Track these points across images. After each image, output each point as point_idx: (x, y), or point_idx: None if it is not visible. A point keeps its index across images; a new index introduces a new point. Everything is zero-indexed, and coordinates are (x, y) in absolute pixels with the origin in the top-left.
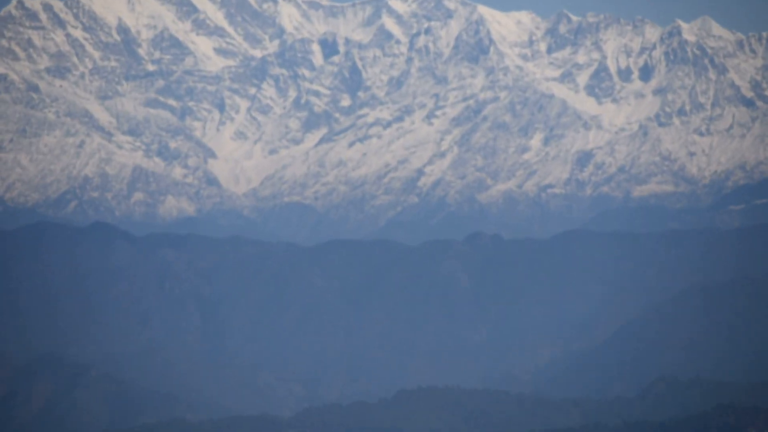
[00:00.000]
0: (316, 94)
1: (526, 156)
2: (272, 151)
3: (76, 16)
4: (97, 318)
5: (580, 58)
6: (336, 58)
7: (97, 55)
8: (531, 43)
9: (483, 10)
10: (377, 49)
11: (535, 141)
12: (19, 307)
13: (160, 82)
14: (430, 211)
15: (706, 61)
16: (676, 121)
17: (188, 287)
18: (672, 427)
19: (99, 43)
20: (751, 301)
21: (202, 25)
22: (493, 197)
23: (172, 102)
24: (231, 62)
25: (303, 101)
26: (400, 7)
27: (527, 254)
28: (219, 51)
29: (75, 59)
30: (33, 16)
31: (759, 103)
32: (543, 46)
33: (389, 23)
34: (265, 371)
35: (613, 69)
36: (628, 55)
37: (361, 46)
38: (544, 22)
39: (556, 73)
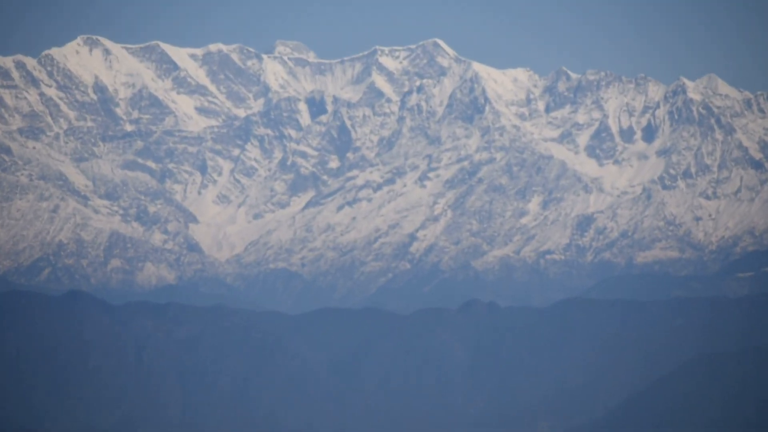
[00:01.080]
0: (303, 155)
1: (523, 220)
2: (257, 216)
3: (50, 74)
4: (71, 392)
5: (580, 117)
6: (324, 118)
7: (72, 115)
8: (528, 101)
9: (478, 67)
10: (367, 108)
11: (533, 204)
12: None
13: (139, 143)
14: (423, 278)
15: (713, 120)
16: (681, 183)
17: (168, 359)
18: None
19: (74, 102)
20: (759, 371)
21: (182, 84)
22: (489, 264)
23: (151, 164)
24: (213, 122)
25: (289, 163)
26: (391, 65)
27: (525, 323)
28: (201, 110)
29: (49, 119)
30: (5, 74)
31: None
32: (541, 105)
33: (380, 81)
34: None
35: (614, 129)
36: (631, 114)
37: (350, 105)
38: (542, 79)
39: (555, 133)
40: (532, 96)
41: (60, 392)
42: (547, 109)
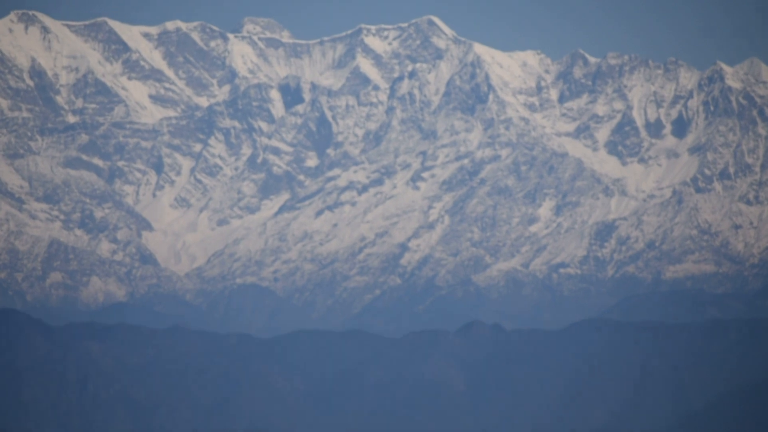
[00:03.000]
0: (276, 151)
1: (533, 228)
2: (221, 222)
3: None
4: (4, 426)
5: (600, 108)
6: (300, 108)
7: (5, 104)
8: (539, 89)
9: (480, 49)
10: (351, 97)
11: (545, 210)
12: None
13: (84, 137)
14: (416, 295)
15: (755, 112)
16: (717, 186)
17: (117, 389)
18: None
19: (7, 89)
20: None
21: (135, 68)
22: (493, 279)
23: (97, 161)
24: (171, 112)
25: (259, 160)
26: (379, 46)
27: (535, 348)
28: (156, 99)
29: None
30: None
31: None
32: (554, 94)
33: (365, 65)
34: None
35: (640, 122)
36: (659, 105)
37: (330, 93)
38: (555, 64)
39: (570, 127)
40: (543, 83)
41: None
42: (561, 99)
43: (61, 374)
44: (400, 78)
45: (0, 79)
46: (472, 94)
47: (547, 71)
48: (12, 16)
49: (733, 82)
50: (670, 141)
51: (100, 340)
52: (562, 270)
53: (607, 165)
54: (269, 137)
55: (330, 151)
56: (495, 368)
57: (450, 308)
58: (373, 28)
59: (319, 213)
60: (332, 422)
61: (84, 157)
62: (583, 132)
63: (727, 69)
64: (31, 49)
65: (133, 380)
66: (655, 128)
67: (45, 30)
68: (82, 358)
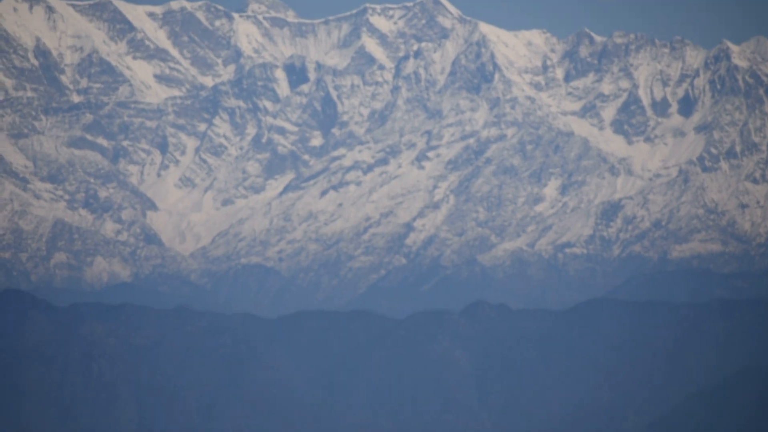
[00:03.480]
0: (281, 131)
1: (538, 208)
2: (226, 202)
3: None
4: (7, 408)
5: (606, 87)
6: (305, 87)
7: (9, 83)
8: (545, 69)
9: (486, 28)
10: (356, 76)
11: (551, 189)
12: None
13: (88, 117)
14: (421, 275)
15: (761, 91)
16: (724, 165)
17: (122, 369)
18: None
19: (12, 69)
20: None
21: (139, 47)
22: (499, 258)
23: (102, 141)
24: (176, 92)
25: (264, 140)
26: (384, 25)
27: (540, 329)
28: (161, 78)
29: None
30: None
31: None
32: (560, 73)
33: (370, 45)
34: None
35: (646, 101)
36: (665, 83)
37: (335, 73)
38: (561, 43)
39: (576, 106)
40: (549, 62)
41: None
42: (567, 78)
43: (65, 355)
44: (406, 57)
45: (4, 58)
46: (478, 74)
47: (552, 50)
48: None
49: (739, 60)
50: (676, 120)
51: (104, 321)
52: (567, 250)
53: (613, 144)
54: (274, 117)
55: (335, 130)
56: (500, 349)
57: (455, 288)
58: (378, 7)
59: (324, 193)
60: (337, 402)
61: (88, 136)
62: (589, 111)
63: (734, 47)
64: (35, 29)
65: (138, 361)
66: (661, 107)
67: (50, 9)
68: (86, 338)
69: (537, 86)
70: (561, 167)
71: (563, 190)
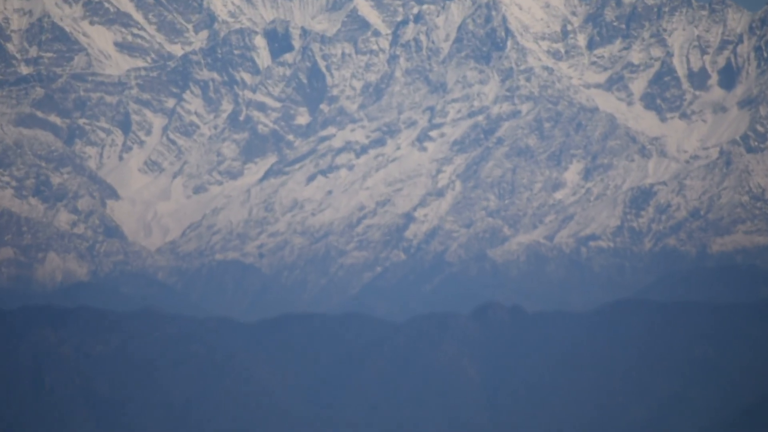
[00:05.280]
0: (261, 107)
1: (558, 195)
2: (198, 189)
3: None
4: None
5: (635, 56)
6: (289, 57)
7: None
8: (565, 34)
9: None
10: (347, 44)
11: (572, 173)
12: None
13: (39, 91)
14: (423, 273)
15: None
16: None
17: (78, 382)
18: None
19: None
20: None
21: (97, 11)
22: (512, 253)
23: (55, 119)
24: (140, 62)
25: (242, 118)
26: None
27: (560, 334)
28: (122, 47)
29: None
30: None
31: None
32: (582, 40)
33: (364, 7)
34: None
35: (681, 72)
36: (704, 51)
37: (324, 40)
38: (584, 5)
39: (601, 78)
40: (569, 27)
41: None
42: (591, 46)
43: (12, 366)
44: (404, 22)
45: None
46: (487, 40)
47: (573, 13)
48: None
49: None
50: (716, 93)
51: (57, 326)
52: (592, 243)
53: (643, 121)
54: (253, 91)
55: (323, 106)
56: (514, 357)
57: (462, 288)
58: None
59: (311, 178)
60: (326, 419)
61: (39, 113)
62: (615, 83)
63: None
64: None
65: (97, 372)
66: (699, 78)
67: None
68: (37, 346)
69: (556, 55)
70: (584, 148)
71: (586, 174)
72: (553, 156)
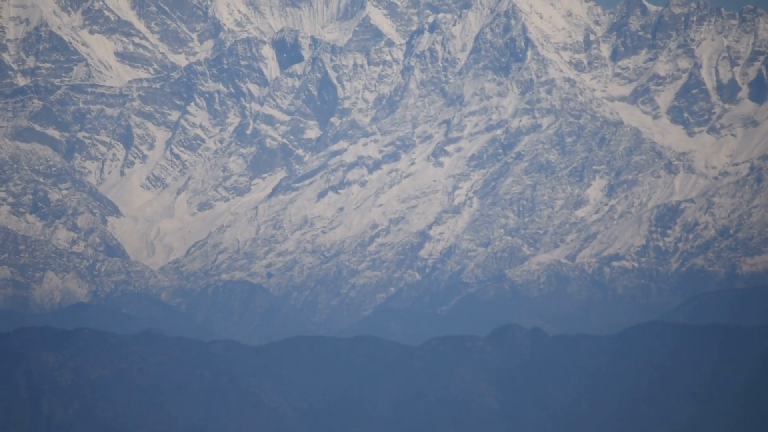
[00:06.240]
0: (269, 120)
1: (580, 212)
2: (203, 206)
3: None
4: None
5: (661, 67)
6: (298, 68)
7: None
8: (588, 45)
9: None
10: (359, 55)
11: (595, 190)
12: None
13: (36, 103)
14: (439, 294)
15: None
16: None
17: (78, 407)
18: None
19: None
20: None
21: (98, 19)
22: (532, 274)
23: (53, 132)
24: (142, 73)
25: (249, 131)
26: None
27: (582, 357)
28: (124, 57)
29: None
30: None
31: None
32: (606, 50)
33: (377, 16)
34: None
35: (710, 84)
36: (733, 63)
37: (335, 50)
38: (608, 14)
39: (626, 90)
40: (592, 37)
41: None
42: (615, 56)
43: (9, 390)
44: (419, 31)
45: None
46: (506, 51)
47: (597, 22)
48: None
49: None
50: (747, 106)
51: (56, 349)
52: (615, 263)
53: (670, 136)
54: (261, 103)
55: (334, 119)
56: (534, 381)
57: (480, 309)
58: None
59: (321, 195)
60: None
61: (37, 127)
62: (641, 96)
63: None
64: None
65: (98, 397)
66: (728, 91)
67: None
68: (34, 370)
69: (578, 66)
70: (607, 164)
71: (610, 191)
72: (575, 172)
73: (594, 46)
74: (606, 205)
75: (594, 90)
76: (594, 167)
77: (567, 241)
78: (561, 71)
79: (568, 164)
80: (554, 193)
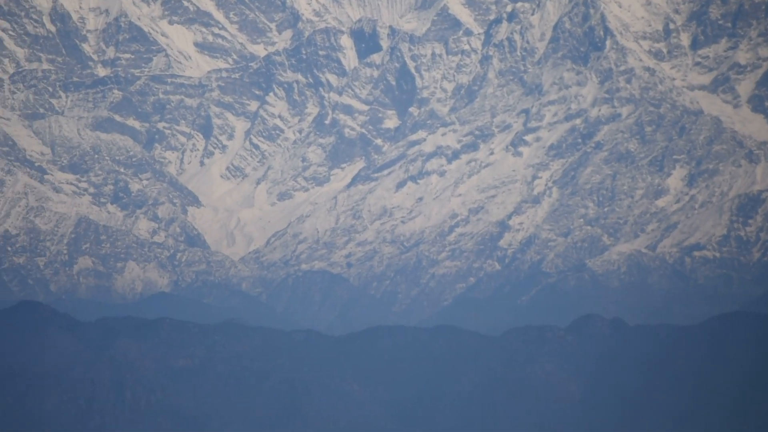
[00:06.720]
0: (348, 110)
1: (660, 202)
2: (283, 196)
3: None
4: None
5: (742, 56)
6: (376, 58)
7: (21, 53)
8: (667, 33)
9: None
10: (437, 44)
11: (675, 180)
12: None
13: (116, 94)
14: (519, 284)
15: None
16: None
17: (159, 397)
18: None
19: (24, 36)
20: None
21: (177, 9)
22: (613, 264)
23: (133, 123)
24: (221, 64)
25: (328, 121)
26: None
27: (663, 347)
28: (203, 47)
29: None
30: None
31: None
32: (685, 39)
33: (455, 5)
34: None
35: None
36: None
37: (413, 40)
38: (687, 2)
39: (706, 79)
40: (672, 26)
41: None
42: (695, 45)
43: (92, 380)
44: (498, 20)
45: (15, 23)
46: (585, 40)
47: (676, 11)
48: None
49: None
50: None
51: (138, 339)
52: (696, 253)
53: (751, 125)
54: (339, 93)
55: (413, 109)
56: (615, 372)
57: (560, 299)
58: None
59: (400, 185)
60: None
61: (117, 117)
62: (721, 85)
63: None
64: None
65: (179, 387)
66: None
67: None
68: (117, 360)
69: (658, 55)
70: (687, 153)
71: (690, 180)
72: (655, 161)
73: (674, 35)
74: (686, 194)
75: (674, 79)
76: (674, 157)
77: (647, 231)
78: (640, 60)
79: (648, 154)
80: (634, 183)
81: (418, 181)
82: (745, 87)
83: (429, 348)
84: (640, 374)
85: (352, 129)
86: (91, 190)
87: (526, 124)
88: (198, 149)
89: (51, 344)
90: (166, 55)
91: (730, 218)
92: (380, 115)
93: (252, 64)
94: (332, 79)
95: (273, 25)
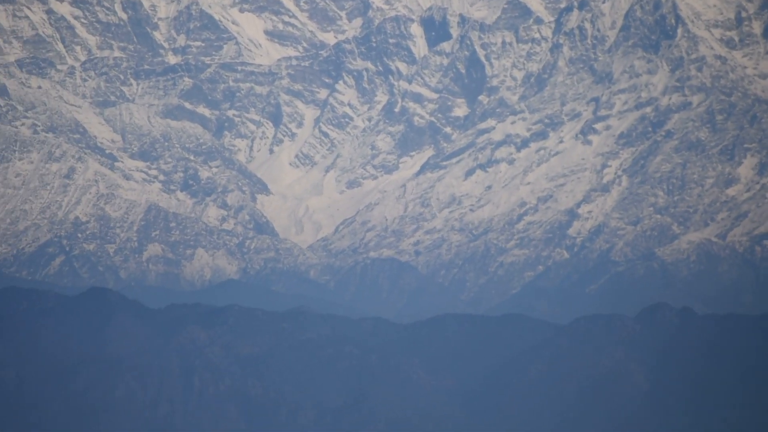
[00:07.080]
0: (417, 98)
1: (731, 191)
2: (352, 184)
3: None
4: (93, 427)
5: None
6: (446, 46)
7: (93, 41)
8: (739, 21)
9: None
10: (507, 32)
11: (746, 168)
12: None
13: (187, 82)
14: (587, 272)
15: None
16: None
17: (228, 383)
18: None
19: (96, 24)
20: None
21: None
22: (682, 252)
23: (203, 110)
24: (291, 51)
25: (398, 109)
26: None
27: (733, 337)
28: (273, 35)
29: (60, 47)
30: None
31: None
32: (758, 27)
33: None
34: None
35: None
36: None
37: (483, 28)
38: None
39: None
40: (744, 14)
41: (77, 427)
42: (767, 34)
43: (161, 367)
44: (568, 9)
45: (87, 11)
46: (656, 28)
47: (749, 0)
48: None
49: None
50: None
51: (207, 326)
52: (766, 242)
53: None
54: (409, 81)
55: (482, 97)
56: (685, 362)
57: (629, 288)
58: None
59: (469, 173)
60: (485, 424)
61: (187, 105)
62: None
63: None
64: None
65: (247, 374)
66: None
67: None
68: (186, 347)
69: (729, 43)
70: (759, 142)
71: (761, 169)
72: (725, 150)
73: (746, 23)
74: (757, 183)
75: (745, 67)
76: (745, 145)
77: (717, 220)
78: (712, 49)
79: (719, 142)
80: (704, 172)
81: (487, 169)
82: None
83: (496, 336)
84: (708, 364)
85: (422, 117)
86: (161, 177)
87: (596, 113)
88: (267, 137)
89: (120, 331)
90: (237, 43)
91: None
92: (449, 103)
93: (322, 52)
94: (402, 67)
95: (343, 13)
